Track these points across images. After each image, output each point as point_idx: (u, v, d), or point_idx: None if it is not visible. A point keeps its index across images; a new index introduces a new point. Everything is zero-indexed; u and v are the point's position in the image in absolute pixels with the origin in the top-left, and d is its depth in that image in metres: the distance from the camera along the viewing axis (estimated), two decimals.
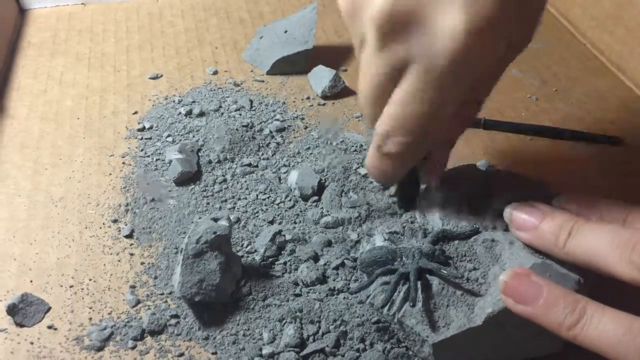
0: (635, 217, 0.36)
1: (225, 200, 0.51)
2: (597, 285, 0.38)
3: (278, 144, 0.57)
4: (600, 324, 0.32)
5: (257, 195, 0.51)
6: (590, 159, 0.57)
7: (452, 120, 0.38)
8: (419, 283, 0.38)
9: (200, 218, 0.46)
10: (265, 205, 0.51)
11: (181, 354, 0.41)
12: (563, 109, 0.62)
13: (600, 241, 0.34)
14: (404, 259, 0.40)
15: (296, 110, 0.61)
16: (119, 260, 0.47)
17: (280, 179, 0.53)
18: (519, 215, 0.39)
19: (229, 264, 0.42)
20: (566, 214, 0.37)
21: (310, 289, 0.44)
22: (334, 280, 0.44)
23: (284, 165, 0.54)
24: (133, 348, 0.41)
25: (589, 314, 0.32)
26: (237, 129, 0.57)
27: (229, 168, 0.54)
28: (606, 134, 0.58)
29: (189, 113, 0.60)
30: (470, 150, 0.57)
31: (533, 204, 0.39)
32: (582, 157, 0.57)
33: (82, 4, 0.77)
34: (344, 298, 0.43)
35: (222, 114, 0.60)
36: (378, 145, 0.38)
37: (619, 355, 0.31)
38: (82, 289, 0.45)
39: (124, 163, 0.55)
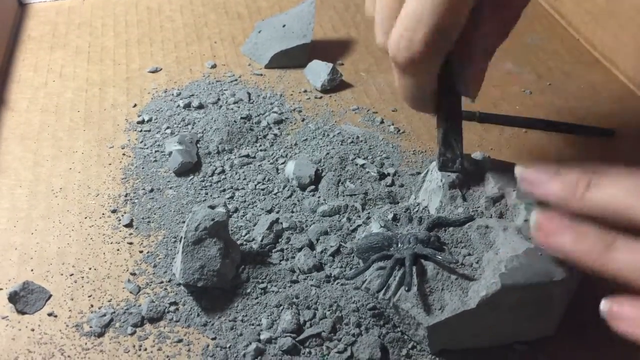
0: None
1: (224, 190, 0.52)
2: (585, 282, 0.38)
3: (275, 135, 0.58)
4: (630, 251, 0.32)
5: (255, 186, 0.52)
6: (584, 151, 0.57)
7: (488, 22, 0.38)
8: (414, 268, 0.39)
9: (198, 207, 0.46)
10: (263, 195, 0.51)
11: (180, 340, 0.41)
12: (557, 103, 0.63)
13: (623, 190, 0.33)
14: (399, 245, 0.41)
15: (293, 103, 0.62)
16: (118, 249, 0.47)
17: (277, 169, 0.54)
18: (531, 171, 0.38)
19: (227, 249, 0.43)
20: (582, 169, 0.37)
21: (307, 276, 0.45)
22: (330, 267, 0.45)
23: (282, 157, 0.55)
24: (132, 334, 0.42)
25: (620, 242, 0.32)
26: (235, 121, 0.57)
27: (227, 159, 0.55)
28: (599, 127, 0.59)
29: (187, 106, 0.60)
30: (466, 142, 0.57)
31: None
32: (576, 149, 0.58)
33: None
34: (340, 285, 0.44)
35: (221, 106, 0.61)
36: (394, 57, 0.36)
37: None
38: (82, 277, 0.45)
39: (123, 154, 0.56)
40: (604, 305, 0.34)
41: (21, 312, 0.43)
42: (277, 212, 0.49)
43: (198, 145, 0.56)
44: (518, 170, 0.39)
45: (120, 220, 0.50)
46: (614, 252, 0.32)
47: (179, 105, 0.60)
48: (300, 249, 0.46)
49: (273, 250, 0.46)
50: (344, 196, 0.50)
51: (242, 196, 0.51)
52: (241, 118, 0.58)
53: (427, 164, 0.54)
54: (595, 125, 0.59)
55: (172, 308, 0.43)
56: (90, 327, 0.42)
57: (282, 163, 0.54)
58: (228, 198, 0.51)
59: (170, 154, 0.54)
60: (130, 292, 0.44)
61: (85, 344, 0.41)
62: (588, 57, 0.69)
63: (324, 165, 0.53)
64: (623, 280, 0.32)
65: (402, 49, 0.35)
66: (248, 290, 0.44)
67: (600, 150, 0.57)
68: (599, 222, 0.35)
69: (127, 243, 0.48)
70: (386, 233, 0.42)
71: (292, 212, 0.50)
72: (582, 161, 0.56)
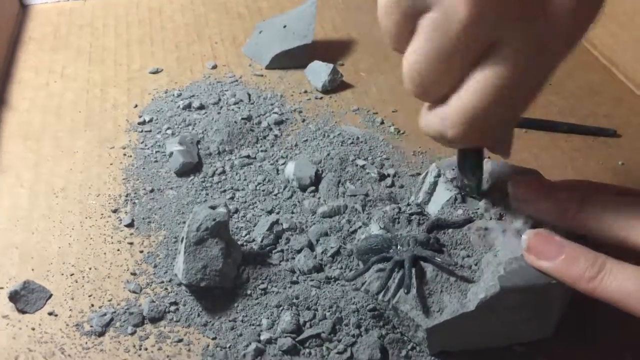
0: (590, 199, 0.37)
1: (225, 191, 0.52)
2: None
3: (276, 136, 0.58)
4: (619, 275, 0.33)
5: (255, 186, 0.52)
6: (584, 151, 0.58)
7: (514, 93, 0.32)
8: (413, 270, 0.39)
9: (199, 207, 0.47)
10: (264, 195, 0.51)
11: (180, 340, 0.41)
12: (557, 103, 0.63)
13: (614, 211, 0.34)
14: (399, 246, 0.41)
15: (294, 104, 0.62)
16: (119, 249, 0.48)
17: (278, 170, 0.54)
18: (522, 188, 0.39)
19: (229, 249, 0.43)
20: (573, 187, 0.38)
21: (307, 277, 0.45)
22: (330, 269, 0.45)
23: (282, 157, 0.55)
24: (133, 334, 0.42)
25: (609, 267, 0.33)
26: (235, 122, 0.58)
27: (228, 160, 0.55)
28: (600, 127, 0.59)
29: (188, 106, 0.61)
30: None
31: (536, 179, 0.40)
32: (577, 149, 0.58)
33: None
34: (341, 286, 0.44)
35: (221, 107, 0.61)
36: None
37: (638, 305, 0.32)
38: (83, 276, 0.46)
39: (124, 155, 0.56)
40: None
41: (22, 311, 0.43)
42: (278, 213, 0.50)
43: (199, 145, 0.56)
44: (510, 188, 0.39)
45: (121, 220, 0.50)
46: (603, 277, 0.33)
47: (179, 106, 0.61)
48: (300, 250, 0.46)
49: (273, 251, 0.47)
50: (344, 197, 0.50)
51: (243, 197, 0.51)
52: (242, 119, 0.58)
53: (428, 165, 0.54)
54: (595, 125, 0.60)
55: (173, 308, 0.43)
56: (91, 326, 0.42)
57: (283, 164, 0.54)
58: (229, 199, 0.51)
59: (171, 154, 0.54)
60: (131, 292, 0.44)
61: (86, 343, 0.41)
62: (588, 56, 0.69)
63: (324, 166, 0.53)
64: (612, 303, 0.33)
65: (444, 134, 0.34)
66: (248, 291, 0.44)
67: (600, 150, 0.58)
68: (589, 240, 0.36)
69: (128, 243, 0.48)
70: (386, 235, 0.42)
71: (293, 213, 0.50)
72: (583, 162, 0.56)
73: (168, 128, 0.58)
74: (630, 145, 0.58)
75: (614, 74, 0.66)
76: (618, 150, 0.58)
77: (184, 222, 0.48)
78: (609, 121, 0.60)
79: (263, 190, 0.52)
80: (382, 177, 0.53)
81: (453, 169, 0.43)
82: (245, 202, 0.51)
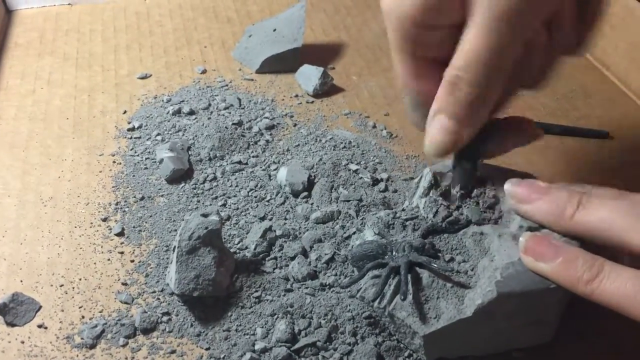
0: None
1: (216, 198, 0.51)
2: None
3: (267, 141, 0.57)
4: (618, 278, 0.33)
5: (247, 192, 0.51)
6: (577, 153, 0.57)
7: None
8: (409, 276, 0.39)
9: (190, 215, 0.46)
10: (256, 202, 0.51)
11: (173, 351, 0.41)
12: (549, 105, 0.63)
13: (613, 213, 0.34)
14: (394, 252, 0.40)
15: (285, 108, 0.62)
16: (109, 259, 0.47)
17: (270, 176, 0.53)
18: (520, 188, 0.39)
19: (222, 258, 0.43)
20: (571, 188, 0.37)
21: (302, 284, 0.44)
22: (324, 275, 0.45)
23: (274, 163, 0.55)
24: (124, 345, 0.41)
25: (607, 270, 0.33)
26: (226, 127, 0.57)
27: (219, 166, 0.54)
28: (593, 129, 0.59)
29: (177, 112, 0.60)
30: None
31: (534, 180, 0.39)
32: (570, 151, 0.58)
33: (68, 4, 0.77)
34: (335, 293, 0.43)
35: (212, 112, 0.60)
36: (447, 93, 0.36)
37: (636, 309, 0.32)
38: (73, 287, 0.45)
39: (113, 162, 0.55)
40: None
41: (10, 324, 0.42)
42: (270, 220, 0.49)
43: (189, 152, 0.55)
44: (507, 187, 0.39)
45: (111, 229, 0.49)
46: (601, 280, 0.33)
47: (169, 112, 0.60)
48: (294, 257, 0.46)
49: (267, 259, 0.46)
50: (337, 203, 0.50)
51: (235, 203, 0.51)
52: (232, 124, 0.58)
53: (421, 168, 0.54)
54: (588, 127, 0.59)
55: (165, 318, 0.43)
56: (82, 338, 0.41)
57: (275, 169, 0.54)
58: (220, 205, 0.50)
59: (161, 161, 0.53)
60: (122, 303, 0.44)
61: (77, 355, 0.40)
62: (580, 59, 0.69)
63: (316, 171, 0.52)
64: (610, 306, 0.33)
65: (462, 88, 0.35)
66: (242, 300, 0.43)
67: (594, 152, 0.57)
68: (587, 242, 0.36)
69: (118, 252, 0.47)
70: (380, 241, 0.42)
71: (285, 219, 0.49)
72: (576, 164, 0.56)
73: (158, 134, 0.57)
74: (623, 146, 0.58)
75: (606, 76, 0.66)
76: (611, 152, 0.57)
77: (176, 230, 0.48)
78: (602, 123, 0.60)
79: (255, 197, 0.51)
80: (375, 181, 0.52)
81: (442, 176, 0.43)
82: (238, 208, 0.50)
